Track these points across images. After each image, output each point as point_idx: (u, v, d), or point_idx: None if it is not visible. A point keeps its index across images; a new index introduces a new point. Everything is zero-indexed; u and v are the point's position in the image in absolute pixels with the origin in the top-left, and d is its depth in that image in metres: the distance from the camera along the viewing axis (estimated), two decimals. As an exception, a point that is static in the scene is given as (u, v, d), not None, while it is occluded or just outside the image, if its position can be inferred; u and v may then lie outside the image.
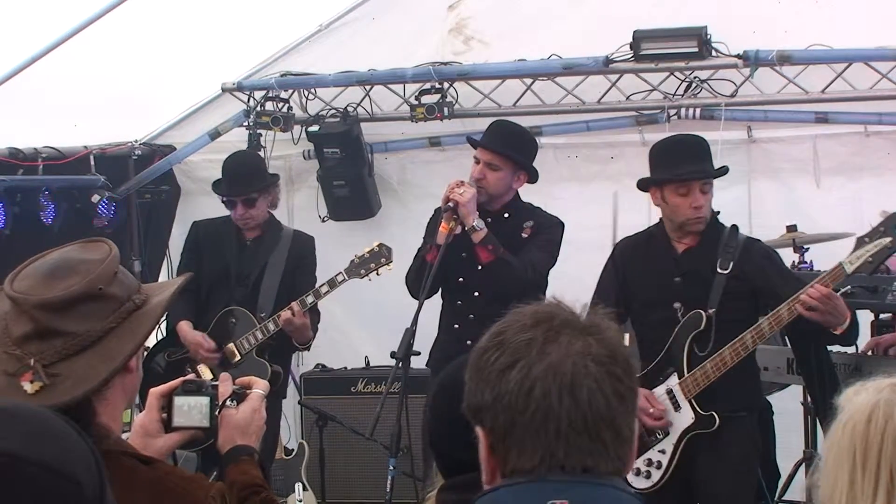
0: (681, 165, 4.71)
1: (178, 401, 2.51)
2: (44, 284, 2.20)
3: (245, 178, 5.98)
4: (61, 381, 2.15)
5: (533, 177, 5.33)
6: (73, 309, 2.18)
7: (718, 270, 4.68)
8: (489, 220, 5.25)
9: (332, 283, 5.70)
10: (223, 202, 6.07)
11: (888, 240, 4.40)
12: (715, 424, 4.66)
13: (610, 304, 4.81)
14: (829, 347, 5.08)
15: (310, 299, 5.68)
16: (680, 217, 4.72)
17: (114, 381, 2.23)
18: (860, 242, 4.47)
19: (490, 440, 1.62)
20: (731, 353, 4.60)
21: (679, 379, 4.71)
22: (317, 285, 5.80)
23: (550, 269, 5.29)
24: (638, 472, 4.76)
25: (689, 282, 4.73)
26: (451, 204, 5.11)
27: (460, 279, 5.28)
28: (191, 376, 2.62)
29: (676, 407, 4.72)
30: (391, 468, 4.82)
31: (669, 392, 4.73)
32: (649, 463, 4.76)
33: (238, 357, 5.81)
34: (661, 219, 4.91)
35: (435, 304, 5.41)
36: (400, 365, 4.89)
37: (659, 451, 4.75)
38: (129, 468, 2.16)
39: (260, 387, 2.62)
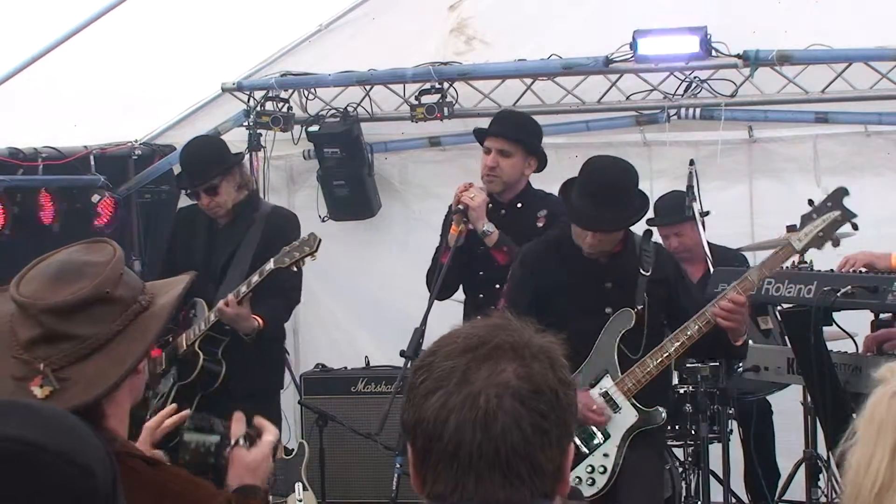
0: (584, 200, 4.56)
1: (188, 437, 2.51)
2: (50, 288, 2.18)
3: (203, 165, 5.64)
4: (71, 385, 2.15)
5: (542, 163, 5.35)
6: (81, 312, 2.17)
7: (641, 272, 4.65)
8: (503, 211, 5.27)
9: (262, 273, 5.30)
10: (187, 195, 5.85)
11: (837, 213, 4.43)
12: (662, 419, 4.63)
13: (525, 290, 4.73)
14: (829, 347, 5.08)
15: (244, 289, 5.33)
16: (579, 241, 4.64)
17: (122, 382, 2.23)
18: (807, 219, 4.49)
19: (414, 458, 1.64)
20: (677, 346, 4.54)
21: (614, 380, 4.61)
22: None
23: None
24: (580, 482, 4.61)
25: (619, 286, 4.67)
26: (461, 206, 5.11)
27: (481, 272, 5.29)
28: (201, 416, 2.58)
29: (615, 408, 4.61)
30: (398, 466, 4.79)
31: (605, 394, 4.61)
32: (592, 469, 4.63)
33: (183, 348, 5.53)
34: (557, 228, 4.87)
35: (445, 303, 5.42)
36: (409, 364, 4.87)
37: (603, 455, 4.63)
38: (133, 469, 2.17)
39: (271, 434, 2.62)
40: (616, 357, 4.62)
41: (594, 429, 4.64)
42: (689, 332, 4.52)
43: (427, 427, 1.59)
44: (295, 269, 5.26)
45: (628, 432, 4.63)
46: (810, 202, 4.57)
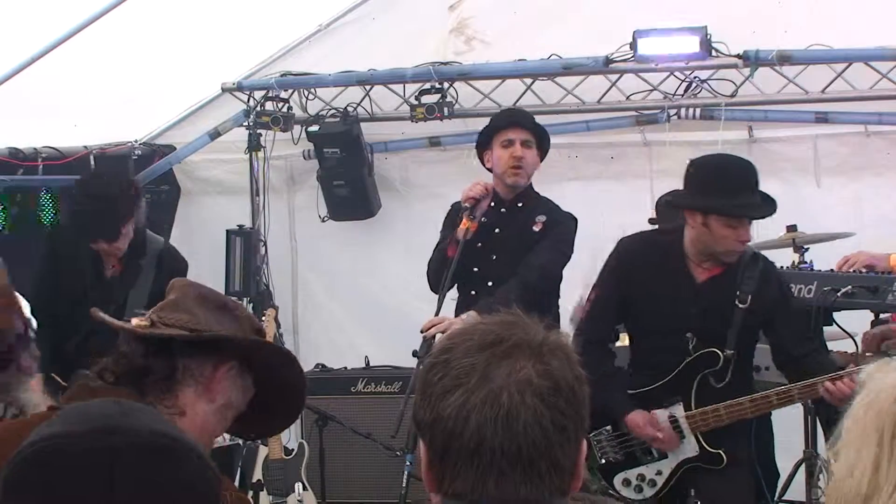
0: (738, 195, 4.38)
1: None
2: None
3: (109, 215, 5.25)
4: (160, 329, 2.32)
5: (541, 161, 5.38)
6: (213, 311, 2.38)
7: (738, 304, 4.48)
8: (503, 209, 5.26)
9: None
10: (89, 242, 5.35)
11: None
12: (722, 463, 4.52)
13: (609, 315, 4.72)
14: (829, 347, 5.08)
15: None
16: (721, 247, 4.44)
17: (190, 385, 2.31)
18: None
19: (429, 456, 1.64)
20: (753, 408, 4.46)
21: (686, 411, 4.54)
22: None
23: (565, 265, 5.25)
24: (628, 484, 4.65)
25: (707, 315, 4.52)
26: (467, 204, 5.10)
27: (475, 269, 5.27)
28: None
29: (680, 435, 4.56)
30: (408, 463, 4.79)
31: (672, 418, 4.56)
32: (643, 479, 4.64)
33: None
34: (666, 229, 4.77)
35: (446, 302, 5.41)
36: (421, 365, 4.87)
37: (656, 472, 4.63)
38: None
39: None
40: (694, 390, 4.51)
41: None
42: (769, 401, 4.46)
43: (447, 425, 1.58)
44: None
45: (685, 462, 4.57)
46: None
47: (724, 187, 4.38)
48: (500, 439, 1.56)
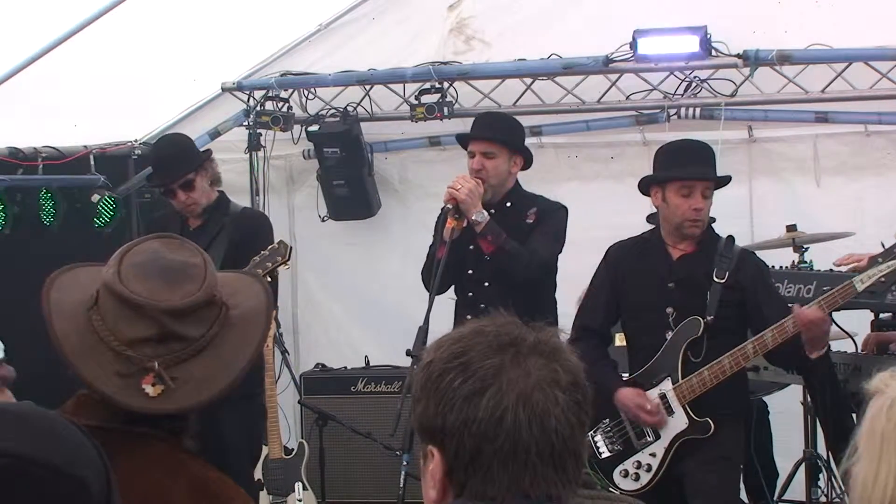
0: (687, 166, 4.72)
1: None
2: (166, 289, 2.14)
3: (176, 160, 5.62)
4: (181, 384, 2.11)
5: (528, 161, 5.35)
6: (193, 315, 2.15)
7: (715, 279, 4.68)
8: (492, 210, 5.27)
9: None
10: (162, 193, 5.79)
11: None
12: (710, 431, 4.66)
13: (600, 306, 4.89)
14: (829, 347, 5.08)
15: None
16: (678, 218, 4.71)
17: None
18: (873, 262, 4.49)
19: (449, 463, 1.61)
20: (731, 363, 4.59)
21: (673, 384, 4.69)
22: None
23: (558, 253, 5.26)
24: (626, 475, 4.79)
25: (683, 288, 4.73)
26: (450, 205, 5.13)
27: (470, 271, 5.29)
28: None
29: (669, 411, 4.70)
30: (405, 463, 4.79)
31: (662, 396, 4.71)
32: (638, 465, 4.77)
33: None
34: (656, 224, 4.90)
35: (445, 302, 5.41)
36: (415, 363, 4.87)
37: (650, 455, 4.75)
38: (182, 461, 2.15)
39: None
40: (680, 362, 4.68)
41: (646, 427, 4.76)
42: (745, 351, 4.59)
43: (479, 428, 1.57)
44: (269, 278, 5.16)
45: (677, 437, 4.71)
46: (882, 245, 4.60)
47: (676, 161, 4.79)
48: (535, 438, 1.57)
